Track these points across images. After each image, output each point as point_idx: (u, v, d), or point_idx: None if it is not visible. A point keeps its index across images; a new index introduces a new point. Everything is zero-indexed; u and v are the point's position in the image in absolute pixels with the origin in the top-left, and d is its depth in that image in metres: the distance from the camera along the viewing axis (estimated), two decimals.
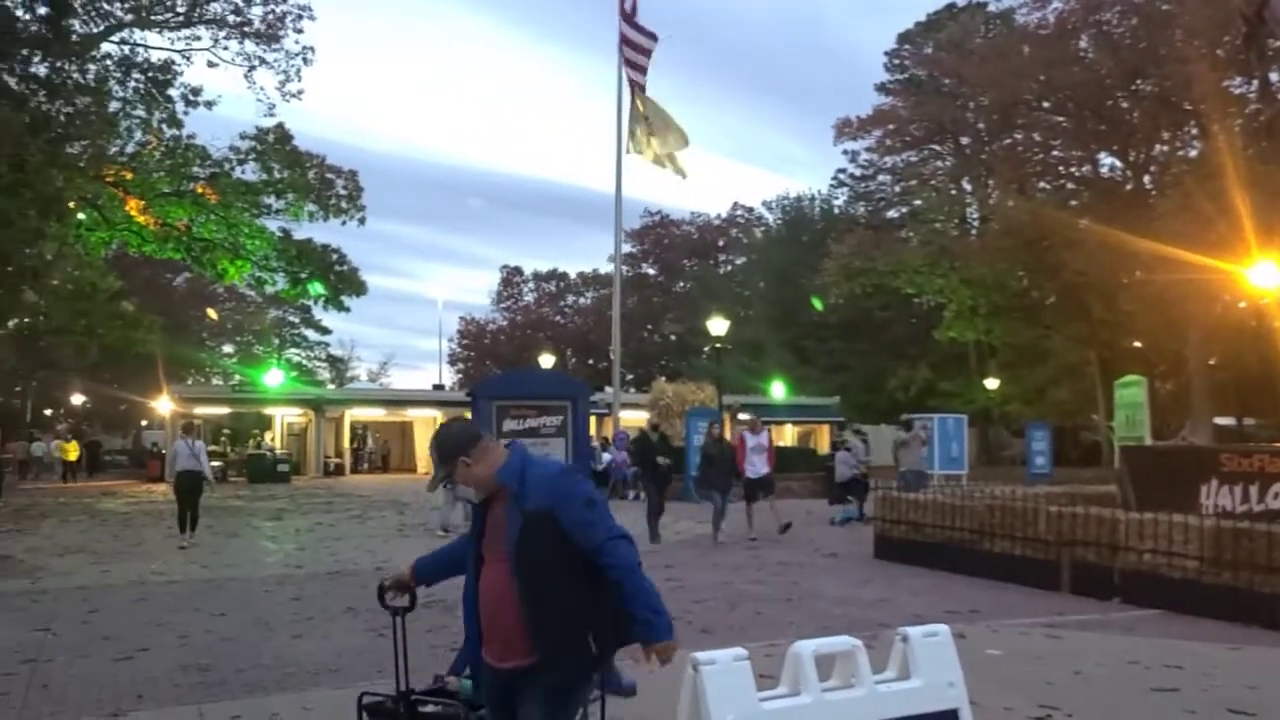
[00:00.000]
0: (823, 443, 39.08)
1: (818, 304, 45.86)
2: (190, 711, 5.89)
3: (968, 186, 44.67)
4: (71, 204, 22.07)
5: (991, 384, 41.42)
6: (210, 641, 8.02)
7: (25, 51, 18.72)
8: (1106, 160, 37.45)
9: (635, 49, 23.45)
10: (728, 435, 19.23)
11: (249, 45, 25.40)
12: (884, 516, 13.09)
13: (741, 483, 15.55)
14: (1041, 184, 39.14)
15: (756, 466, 15.30)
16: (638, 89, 23.45)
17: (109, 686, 6.66)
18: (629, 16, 23.20)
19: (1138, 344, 35.24)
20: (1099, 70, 33.69)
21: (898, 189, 50.45)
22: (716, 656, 2.15)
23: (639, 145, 23.66)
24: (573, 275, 72.60)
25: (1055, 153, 39.00)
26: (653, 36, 23.06)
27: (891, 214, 50.80)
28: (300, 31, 25.71)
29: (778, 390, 44.48)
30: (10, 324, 24.47)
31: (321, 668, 7.14)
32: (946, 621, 2.60)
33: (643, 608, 3.06)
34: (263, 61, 25.54)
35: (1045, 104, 36.25)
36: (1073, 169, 39.18)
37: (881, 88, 49.52)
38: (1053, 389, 39.42)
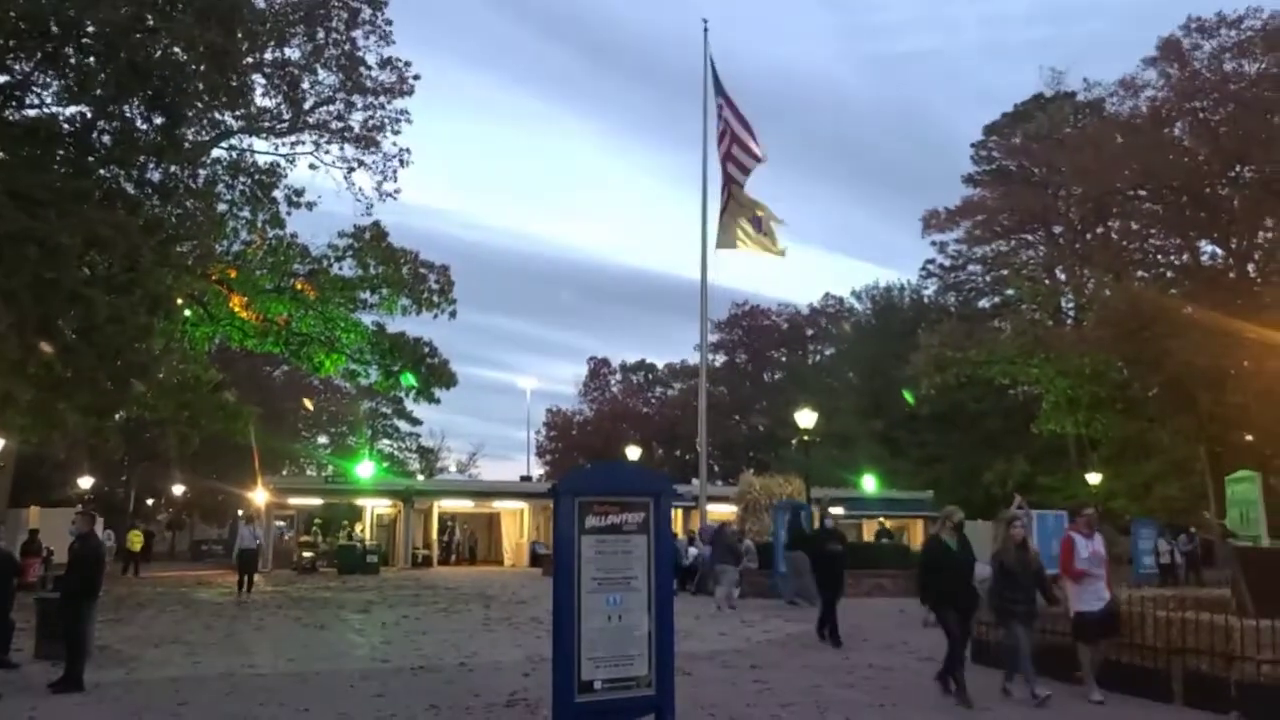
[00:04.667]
0: (916, 538, 38.02)
1: (909, 398, 45.09)
2: None
3: (1061, 276, 43.86)
4: (179, 300, 23.02)
5: (1094, 479, 39.91)
6: None
7: (142, 158, 19.80)
8: (1207, 248, 36.52)
9: (742, 149, 24.06)
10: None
11: (349, 149, 26.53)
12: (979, 619, 12.52)
13: (1069, 618, 10.21)
14: (1140, 273, 38.23)
15: (1098, 591, 9.78)
16: (736, 186, 24.01)
17: None
18: (736, 114, 23.98)
19: (1249, 437, 33.69)
20: (1196, 157, 33.07)
21: (988, 279, 49.89)
22: None
23: (737, 239, 24.03)
24: (660, 366, 73.02)
25: (1153, 241, 38.17)
26: (756, 158, 23.83)
27: (983, 304, 50.17)
28: (398, 134, 26.79)
29: (869, 483, 43.61)
30: (118, 416, 25.37)
31: None
32: None
33: None
34: (361, 164, 26.63)
35: (1141, 192, 35.61)
36: (1172, 257, 38.26)
37: (969, 179, 49.36)
38: (1160, 484, 37.82)
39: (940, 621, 10.13)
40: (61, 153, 19.65)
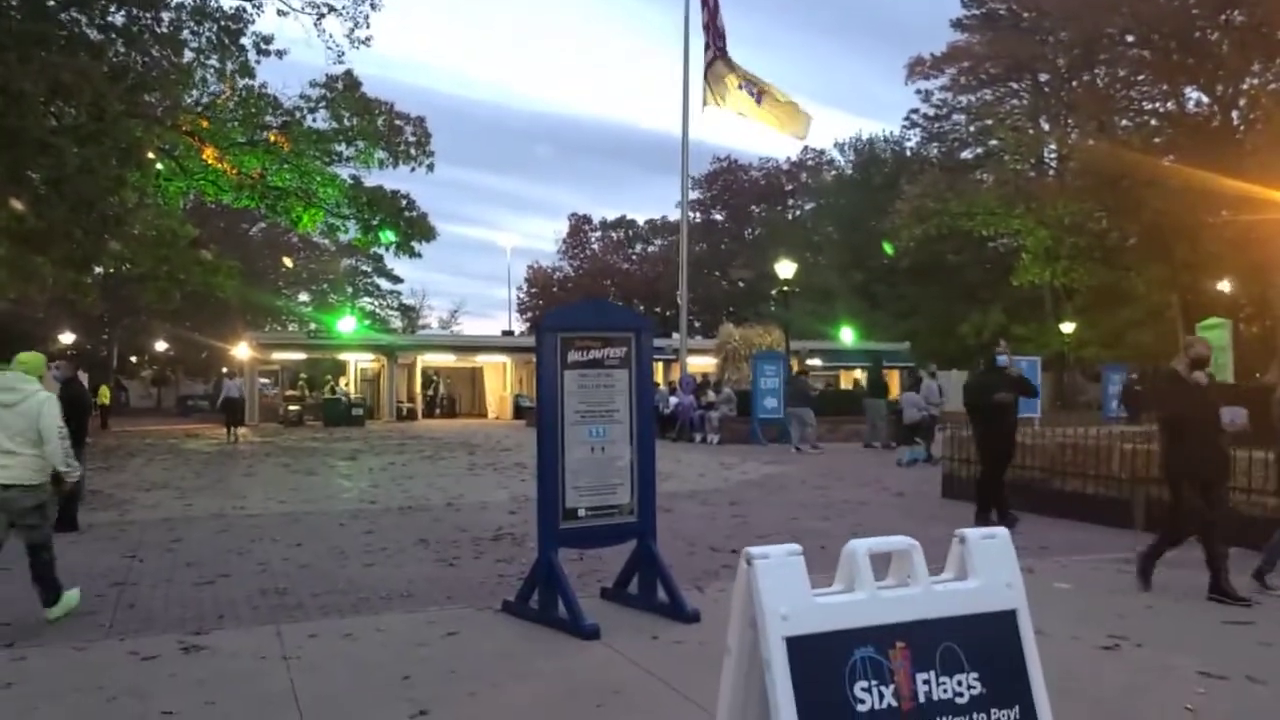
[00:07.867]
0: (892, 387, 38.70)
1: (888, 249, 45.11)
2: (269, 631, 6.11)
3: (1045, 125, 43.32)
4: (150, 154, 22.50)
5: (1068, 328, 40.47)
6: (288, 568, 8.28)
7: (103, 2, 19.07)
8: (1192, 95, 36.08)
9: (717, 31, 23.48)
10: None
11: None
12: (952, 455, 12.94)
13: None
14: (1124, 122, 37.86)
15: None
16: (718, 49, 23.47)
17: (192, 608, 6.93)
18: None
19: (1222, 286, 34.10)
20: (1187, 1, 32.34)
21: (972, 129, 49.15)
22: (769, 551, 2.14)
23: (719, 98, 23.55)
24: (640, 223, 72.50)
25: (1139, 89, 37.66)
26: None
27: (966, 154, 49.62)
28: None
29: (847, 335, 44.08)
30: (96, 270, 25.16)
31: (393, 593, 7.34)
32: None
33: None
34: (331, 9, 25.55)
35: (1129, 37, 34.95)
36: (1156, 105, 37.85)
37: (957, 24, 48.01)
38: (1134, 332, 38.45)
39: (1177, 501, 7.09)
40: None
